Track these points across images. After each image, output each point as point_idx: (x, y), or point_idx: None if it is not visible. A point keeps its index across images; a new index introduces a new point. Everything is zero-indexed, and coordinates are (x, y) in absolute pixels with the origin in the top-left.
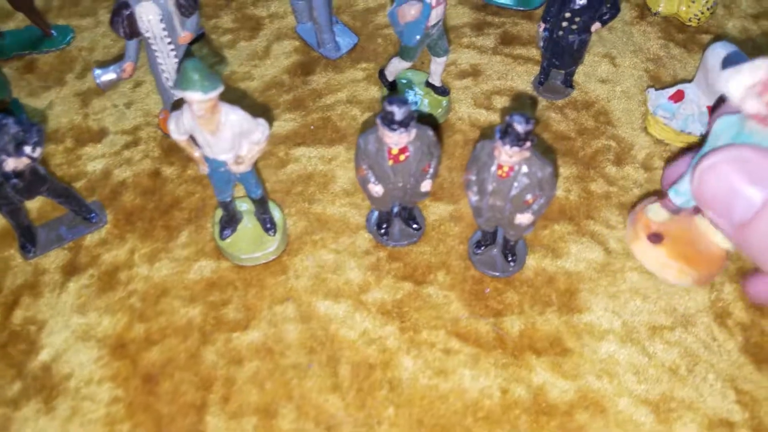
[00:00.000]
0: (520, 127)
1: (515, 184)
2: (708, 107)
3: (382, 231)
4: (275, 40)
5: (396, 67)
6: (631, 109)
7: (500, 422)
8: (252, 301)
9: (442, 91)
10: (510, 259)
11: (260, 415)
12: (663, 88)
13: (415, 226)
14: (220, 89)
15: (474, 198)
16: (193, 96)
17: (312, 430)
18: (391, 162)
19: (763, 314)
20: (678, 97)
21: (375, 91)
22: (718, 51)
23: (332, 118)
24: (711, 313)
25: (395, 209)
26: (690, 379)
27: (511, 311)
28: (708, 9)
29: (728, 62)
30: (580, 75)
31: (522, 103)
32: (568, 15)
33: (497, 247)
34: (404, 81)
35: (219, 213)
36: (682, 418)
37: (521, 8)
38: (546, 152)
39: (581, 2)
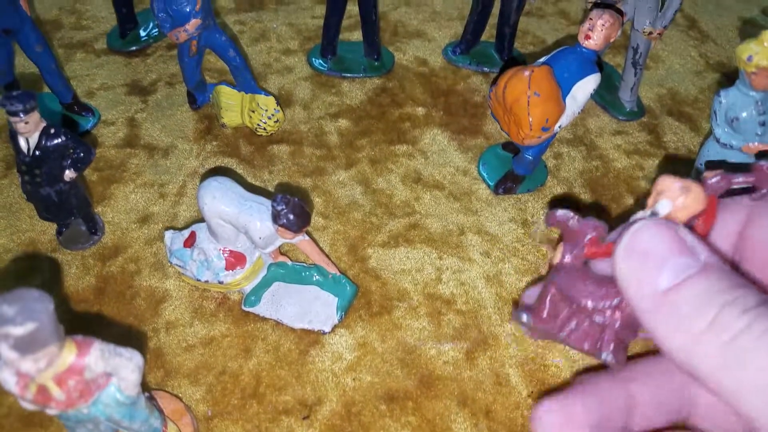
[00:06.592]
0: None
1: None
2: (222, 249)
3: None
4: None
5: None
6: (164, 252)
7: None
8: None
9: None
10: None
11: None
12: (184, 228)
13: None
14: None
15: None
16: None
17: None
18: None
19: None
20: (191, 240)
21: None
22: (204, 191)
23: None
24: None
25: None
26: None
27: None
28: (270, 118)
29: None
30: (120, 213)
31: None
32: (24, 168)
33: None
34: None
35: None
36: None
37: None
38: None
39: (27, 158)
